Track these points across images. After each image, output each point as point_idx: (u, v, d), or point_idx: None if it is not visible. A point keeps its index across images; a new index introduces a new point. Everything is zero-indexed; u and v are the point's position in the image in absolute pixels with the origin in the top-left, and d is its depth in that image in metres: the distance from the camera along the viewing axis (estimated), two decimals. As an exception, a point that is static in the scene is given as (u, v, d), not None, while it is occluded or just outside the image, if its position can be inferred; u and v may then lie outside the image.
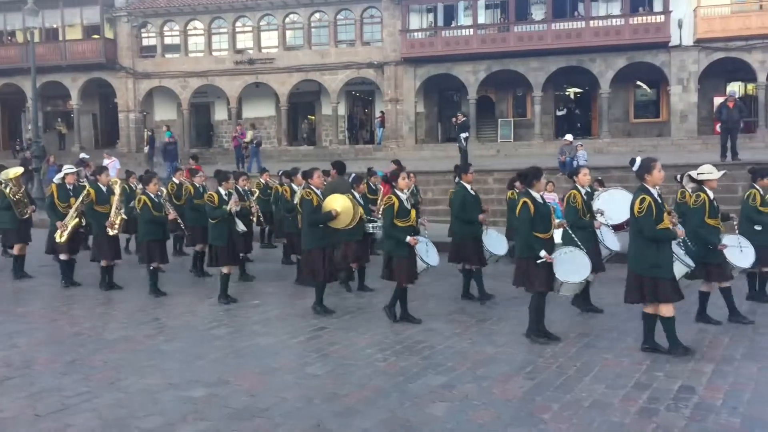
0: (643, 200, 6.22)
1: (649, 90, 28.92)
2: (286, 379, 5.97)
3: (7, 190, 11.01)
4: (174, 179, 12.97)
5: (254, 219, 10.96)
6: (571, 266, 7.10)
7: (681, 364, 6.17)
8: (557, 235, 7.51)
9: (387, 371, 6.16)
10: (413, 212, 7.97)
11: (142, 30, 31.68)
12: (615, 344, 6.89)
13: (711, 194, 7.52)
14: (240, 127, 26.20)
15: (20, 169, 11.68)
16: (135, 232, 11.10)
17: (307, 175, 8.79)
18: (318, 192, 8.46)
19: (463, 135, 20.29)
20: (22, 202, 11.16)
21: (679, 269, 6.89)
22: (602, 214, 8.32)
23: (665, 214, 6.36)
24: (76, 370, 6.31)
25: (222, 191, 9.19)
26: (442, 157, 25.01)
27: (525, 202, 6.85)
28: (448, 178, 16.45)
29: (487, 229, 9.15)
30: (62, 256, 10.45)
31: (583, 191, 8.20)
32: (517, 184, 9.65)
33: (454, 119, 21.48)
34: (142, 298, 9.49)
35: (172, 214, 9.80)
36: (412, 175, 11.66)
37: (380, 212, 9.79)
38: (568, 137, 19.78)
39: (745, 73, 26.07)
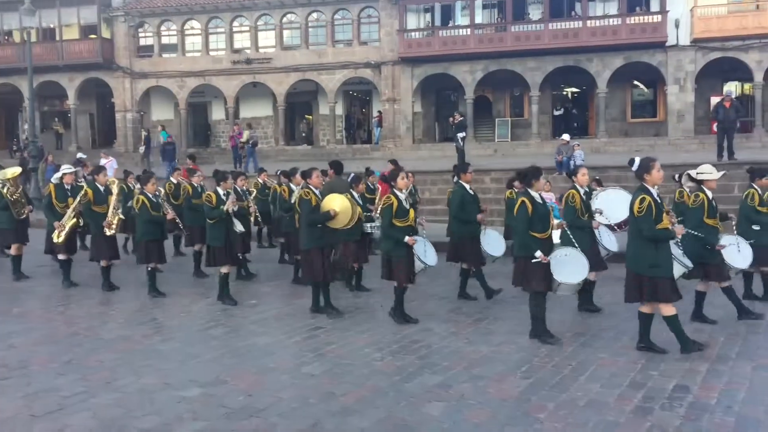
0: (643, 200, 6.24)
1: (646, 90, 28.96)
2: (283, 379, 5.98)
3: (5, 191, 11.00)
4: (171, 179, 12.98)
5: (252, 219, 10.98)
6: (569, 267, 7.12)
7: (676, 363, 6.19)
8: (555, 235, 7.52)
9: (383, 371, 6.18)
10: (412, 212, 7.97)
11: (139, 30, 31.65)
12: (611, 343, 6.91)
13: (710, 194, 7.54)
14: (237, 126, 26.20)
15: (18, 170, 11.67)
16: (133, 232, 11.12)
17: (306, 175, 8.78)
18: (317, 192, 8.47)
19: (460, 135, 20.32)
20: (20, 202, 11.15)
21: (676, 269, 6.91)
22: (601, 213, 8.34)
23: (664, 214, 6.39)
24: (72, 370, 6.32)
25: (220, 191, 9.18)
26: (439, 156, 25.05)
27: (523, 202, 6.86)
28: (446, 178, 16.47)
29: (485, 229, 9.16)
30: (60, 256, 10.47)
31: (581, 191, 8.22)
32: (516, 183, 9.66)
33: (451, 119, 21.50)
34: (139, 298, 9.49)
35: (170, 214, 9.79)
36: (410, 174, 11.69)
37: (378, 212, 9.81)
38: (565, 137, 19.83)
39: (742, 73, 26.11)
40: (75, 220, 10.34)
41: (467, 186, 9.10)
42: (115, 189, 10.29)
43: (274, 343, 7.20)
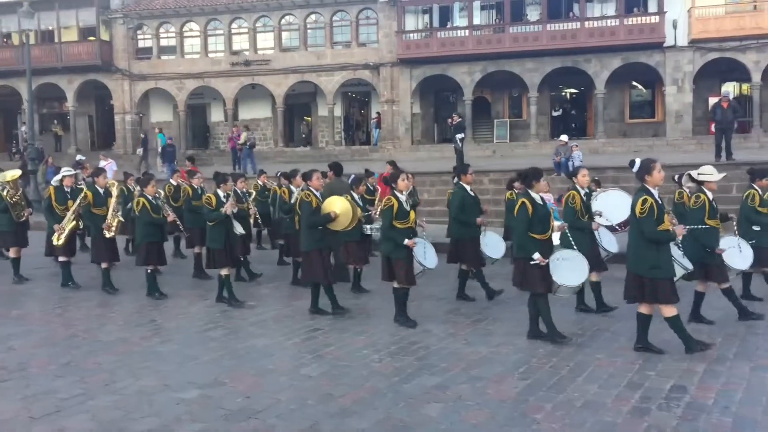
0: (644, 201, 6.24)
1: (644, 90, 28.99)
2: (282, 381, 5.99)
3: (5, 193, 11.00)
4: (171, 181, 12.99)
5: (252, 221, 10.99)
6: (568, 269, 7.12)
7: (673, 363, 6.20)
8: (555, 237, 7.53)
9: (382, 372, 6.19)
10: (412, 214, 7.96)
11: (138, 32, 31.68)
12: (608, 344, 6.93)
13: (710, 195, 7.56)
14: (236, 128, 26.22)
15: (18, 172, 11.68)
16: (133, 234, 11.12)
17: (307, 176, 8.79)
18: (317, 194, 8.48)
19: (459, 136, 20.32)
20: (19, 204, 11.15)
21: (677, 271, 6.91)
22: (601, 215, 8.34)
23: (665, 215, 6.40)
24: (71, 372, 6.32)
25: (220, 193, 9.19)
26: (438, 158, 25.07)
27: (523, 203, 6.86)
28: (445, 179, 16.49)
29: (485, 231, 9.16)
30: (61, 258, 10.48)
31: (582, 192, 8.23)
32: (516, 184, 9.67)
33: (449, 120, 21.52)
34: (138, 300, 9.50)
35: (171, 216, 9.81)
36: (411, 176, 11.69)
37: (378, 213, 9.82)
38: (564, 138, 19.81)
39: (740, 74, 26.16)
40: (75, 222, 10.36)
41: (468, 187, 9.09)
42: (114, 191, 10.31)
43: (273, 344, 7.21)
